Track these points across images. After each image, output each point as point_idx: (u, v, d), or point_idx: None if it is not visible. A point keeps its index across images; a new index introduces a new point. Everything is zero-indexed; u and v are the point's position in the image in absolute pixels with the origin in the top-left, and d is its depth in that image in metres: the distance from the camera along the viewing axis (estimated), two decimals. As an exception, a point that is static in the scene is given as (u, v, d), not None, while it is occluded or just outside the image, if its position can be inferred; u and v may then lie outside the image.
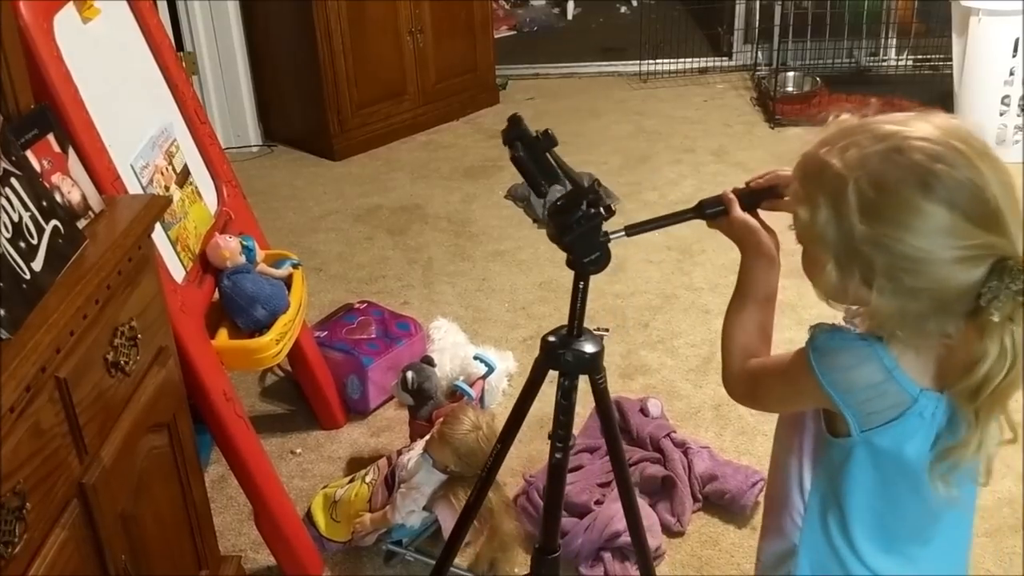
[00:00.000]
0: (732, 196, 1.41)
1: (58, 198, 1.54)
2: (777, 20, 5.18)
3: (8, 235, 1.35)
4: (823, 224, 1.10)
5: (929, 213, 1.04)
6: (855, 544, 1.26)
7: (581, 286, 1.58)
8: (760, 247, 1.38)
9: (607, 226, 1.50)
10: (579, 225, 1.48)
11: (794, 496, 1.31)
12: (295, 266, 2.47)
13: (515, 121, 1.45)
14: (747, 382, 1.34)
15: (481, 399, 2.73)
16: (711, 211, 1.44)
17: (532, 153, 1.45)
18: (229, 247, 2.26)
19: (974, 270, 1.06)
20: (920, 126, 1.08)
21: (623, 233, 1.50)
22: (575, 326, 1.62)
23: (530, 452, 2.64)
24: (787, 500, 1.32)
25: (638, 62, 5.42)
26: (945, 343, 1.12)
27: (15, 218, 1.38)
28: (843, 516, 1.25)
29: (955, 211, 1.04)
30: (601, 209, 1.48)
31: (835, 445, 1.23)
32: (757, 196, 1.42)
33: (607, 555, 2.30)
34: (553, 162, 1.46)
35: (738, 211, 1.40)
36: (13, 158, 1.44)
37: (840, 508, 1.25)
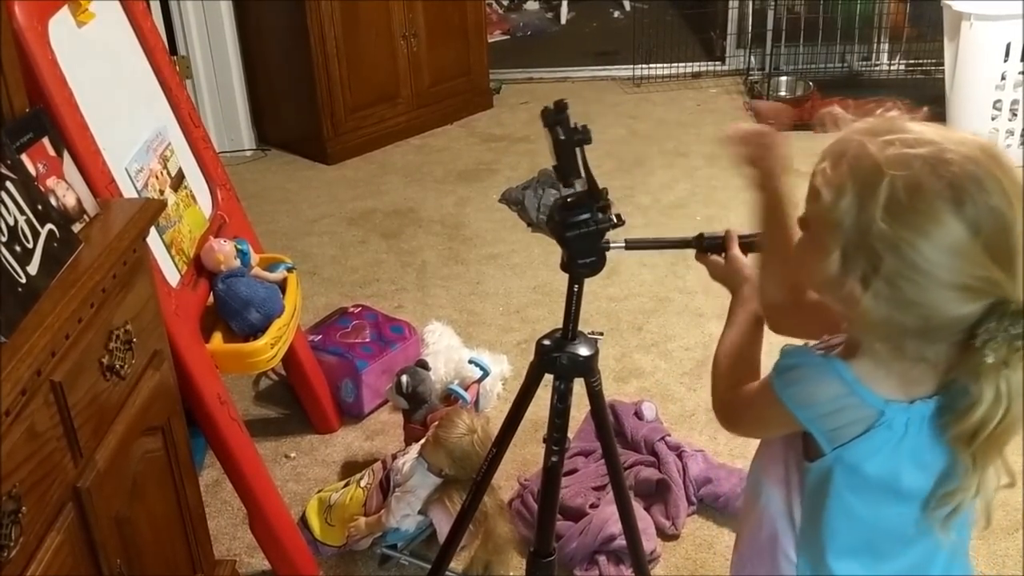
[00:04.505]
0: (733, 236, 1.46)
1: (53, 202, 1.54)
2: (770, 25, 5.19)
3: (3, 239, 1.35)
4: (843, 210, 1.07)
5: (951, 228, 1.01)
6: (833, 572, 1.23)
7: (575, 289, 1.59)
8: (751, 285, 1.42)
9: (609, 235, 1.51)
10: (586, 225, 1.49)
11: (783, 531, 1.28)
12: (289, 270, 2.47)
13: (562, 106, 1.45)
14: (727, 413, 1.35)
15: (476, 403, 2.74)
16: (709, 244, 1.49)
17: (566, 142, 1.46)
18: (223, 251, 2.26)
19: (971, 304, 1.03)
20: (966, 144, 1.05)
21: (623, 245, 1.53)
22: (570, 329, 1.63)
23: (524, 455, 2.64)
24: (776, 537, 1.29)
25: (631, 66, 5.43)
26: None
27: (10, 222, 1.38)
28: (825, 546, 1.22)
29: (977, 236, 1.01)
30: (613, 216, 1.50)
31: (812, 470, 1.20)
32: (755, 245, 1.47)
33: (602, 558, 2.30)
34: (580, 159, 1.47)
35: (737, 250, 1.45)
36: (8, 162, 1.44)
37: (823, 537, 1.22)
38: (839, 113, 1.15)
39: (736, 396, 1.32)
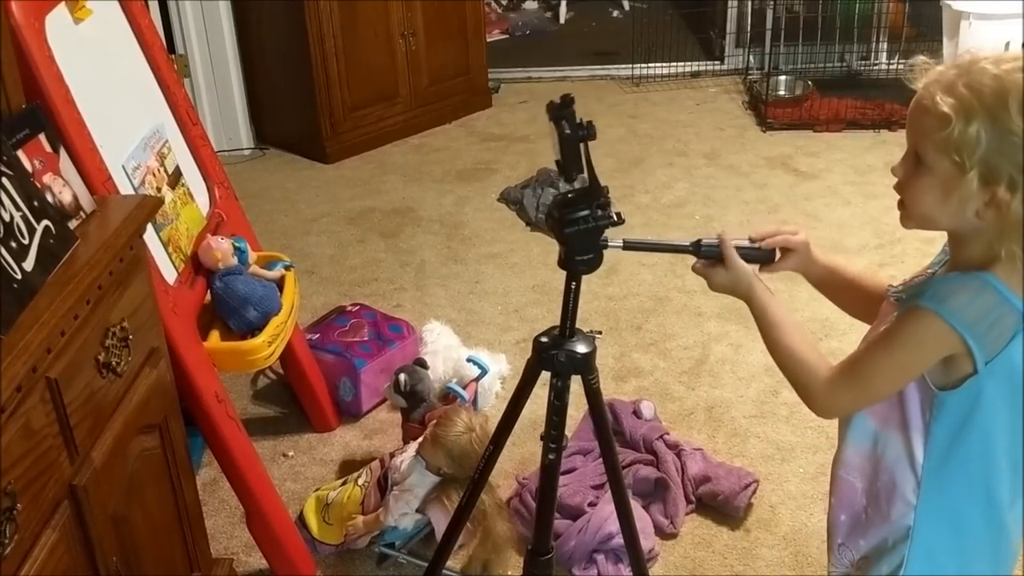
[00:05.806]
0: (729, 244, 1.47)
1: (49, 198, 1.54)
2: (769, 24, 5.19)
3: (-1, 235, 1.35)
4: (976, 129, 1.16)
5: None
6: (994, 494, 1.29)
7: (573, 286, 1.58)
8: (759, 284, 1.44)
9: (608, 233, 1.51)
10: (585, 222, 1.49)
11: (903, 475, 1.33)
12: (287, 268, 2.46)
13: (568, 100, 1.44)
14: (847, 384, 1.32)
15: (474, 401, 2.73)
16: (707, 252, 1.49)
17: (571, 137, 1.45)
18: (221, 248, 2.25)
19: None
20: None
21: (620, 244, 1.52)
22: (567, 326, 1.62)
23: (523, 454, 2.64)
24: (894, 482, 1.34)
25: (630, 66, 5.43)
26: None
27: (6, 218, 1.38)
28: (980, 467, 1.28)
29: None
30: (613, 215, 1.50)
31: (953, 398, 1.25)
32: (755, 258, 1.47)
33: (600, 557, 2.30)
34: (583, 155, 1.46)
35: (737, 258, 1.45)
36: (4, 158, 1.44)
37: (974, 460, 1.28)
38: (924, 59, 1.26)
39: (854, 364, 1.31)
